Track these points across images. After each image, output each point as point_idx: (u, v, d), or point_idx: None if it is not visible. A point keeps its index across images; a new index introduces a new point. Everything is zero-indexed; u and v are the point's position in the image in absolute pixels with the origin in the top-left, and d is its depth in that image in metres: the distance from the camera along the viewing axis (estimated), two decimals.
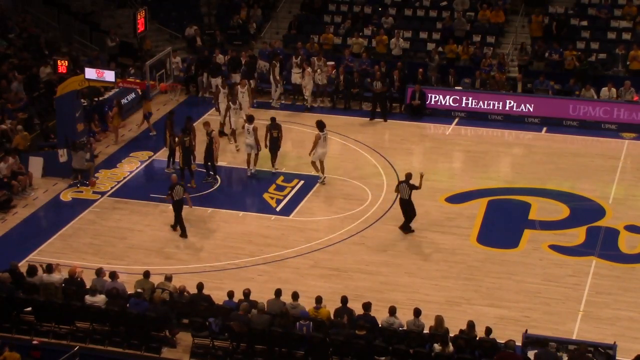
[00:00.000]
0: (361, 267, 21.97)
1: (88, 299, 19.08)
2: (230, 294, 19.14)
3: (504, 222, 24.17)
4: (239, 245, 23.04)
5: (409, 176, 23.15)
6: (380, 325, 18.35)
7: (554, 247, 22.80)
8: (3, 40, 32.56)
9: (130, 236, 23.56)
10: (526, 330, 18.41)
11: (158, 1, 37.15)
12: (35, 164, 26.64)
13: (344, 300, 18.79)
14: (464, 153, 28.88)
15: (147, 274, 19.91)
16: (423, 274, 21.71)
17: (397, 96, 31.51)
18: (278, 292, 19.07)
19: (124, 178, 26.80)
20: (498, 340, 17.69)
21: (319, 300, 18.87)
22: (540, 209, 24.65)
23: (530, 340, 17.91)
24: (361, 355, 17.74)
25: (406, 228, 23.44)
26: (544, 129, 30.25)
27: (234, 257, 22.45)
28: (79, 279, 19.92)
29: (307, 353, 18.11)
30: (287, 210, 24.77)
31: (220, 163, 26.55)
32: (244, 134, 26.64)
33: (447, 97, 31.18)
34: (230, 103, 28.11)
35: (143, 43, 34.13)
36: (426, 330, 18.17)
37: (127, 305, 19.00)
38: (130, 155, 28.27)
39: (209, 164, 26.00)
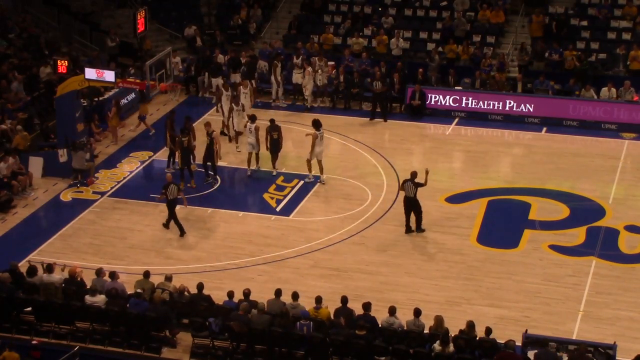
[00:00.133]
0: (361, 267, 21.98)
1: (88, 299, 19.08)
2: (230, 294, 19.14)
3: (504, 222, 24.17)
4: (239, 245, 23.04)
5: (414, 174, 23.15)
6: (380, 325, 18.35)
7: (554, 247, 22.80)
8: (3, 40, 32.57)
9: (130, 236, 23.56)
10: (526, 330, 18.41)
11: (158, 1, 37.15)
12: (35, 164, 26.64)
13: (344, 300, 18.79)
14: (464, 153, 28.88)
15: (147, 274, 19.91)
16: (423, 274, 21.71)
17: (397, 96, 31.51)
18: (278, 292, 19.07)
19: (124, 178, 26.80)
20: (498, 340, 17.69)
21: (319, 300, 18.87)
22: (540, 209, 24.65)
23: (530, 340, 17.91)
24: (361, 355, 17.74)
25: (419, 228, 23.43)
26: (544, 129, 30.25)
27: (234, 257, 22.45)
28: (79, 279, 19.92)
29: (307, 353, 18.11)
30: (287, 210, 24.77)
31: (220, 163, 26.56)
32: (246, 133, 26.68)
33: (447, 97, 31.18)
34: (232, 104, 28.08)
35: (143, 43, 34.14)
36: (426, 331, 18.17)
37: (127, 305, 19.00)
38: (130, 155, 28.27)
39: (209, 164, 25.98)
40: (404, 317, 18.52)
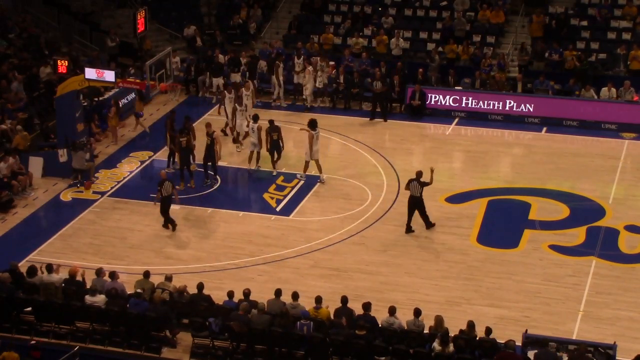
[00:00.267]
0: (361, 267, 21.97)
1: (88, 299, 19.08)
2: (230, 294, 19.14)
3: (504, 222, 24.17)
4: (239, 245, 23.04)
5: (419, 174, 23.16)
6: (380, 325, 18.35)
7: (554, 247, 22.80)
8: (3, 40, 32.56)
9: (130, 236, 23.56)
10: (526, 330, 18.41)
11: (158, 1, 37.15)
12: (35, 164, 26.64)
13: (344, 300, 18.79)
14: (464, 153, 28.88)
15: (147, 274, 19.90)
16: (423, 274, 21.71)
17: (397, 89, 31.44)
18: (278, 292, 19.07)
19: (124, 178, 26.80)
20: (498, 340, 17.69)
21: (318, 300, 18.86)
22: (540, 209, 24.65)
23: (530, 340, 17.90)
24: (361, 355, 17.73)
25: (428, 225, 23.45)
26: (544, 129, 30.25)
27: (234, 257, 22.45)
28: (81, 278, 19.91)
29: (307, 353, 18.10)
30: (287, 210, 24.77)
31: (220, 163, 26.55)
32: (249, 132, 26.75)
33: (447, 97, 31.18)
34: (236, 105, 28.03)
35: (143, 43, 34.15)
36: (426, 331, 18.17)
37: (127, 305, 18.99)
38: (130, 155, 28.27)
39: (209, 164, 25.97)
40: (404, 317, 18.51)
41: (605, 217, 24.27)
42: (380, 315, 18.56)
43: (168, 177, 24.02)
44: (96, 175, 26.73)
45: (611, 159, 27.91)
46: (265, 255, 22.53)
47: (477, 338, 17.87)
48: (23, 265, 21.07)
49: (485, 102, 30.96)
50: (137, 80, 29.95)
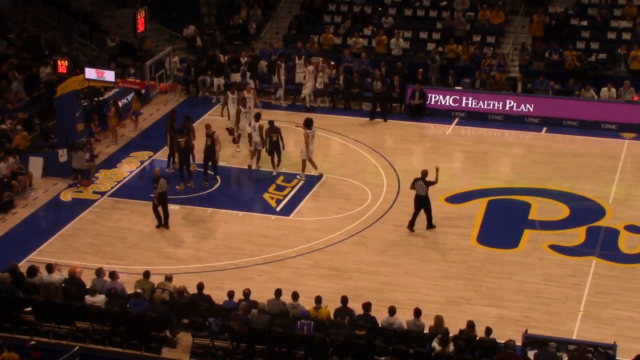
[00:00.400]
0: (361, 267, 21.97)
1: (88, 299, 19.08)
2: (230, 294, 19.13)
3: (504, 222, 24.17)
4: (239, 245, 23.04)
5: (424, 173, 23.18)
6: (380, 325, 18.34)
7: (554, 247, 22.80)
8: (3, 40, 32.56)
9: (130, 236, 23.56)
10: (526, 330, 18.41)
11: (158, 1, 37.16)
12: (35, 164, 26.64)
13: (344, 300, 18.79)
14: (464, 153, 28.88)
15: (147, 274, 19.90)
16: (423, 274, 21.71)
17: (398, 92, 31.42)
18: (278, 292, 19.07)
19: (124, 178, 26.79)
20: (498, 340, 17.68)
21: (318, 300, 18.86)
22: (540, 209, 24.65)
23: (530, 340, 17.90)
24: (361, 355, 17.73)
25: (430, 225, 23.47)
26: (544, 129, 30.25)
27: (234, 257, 22.45)
28: (78, 278, 19.92)
29: (307, 353, 18.10)
30: (287, 210, 24.78)
31: (220, 163, 26.55)
32: (250, 131, 26.86)
33: (447, 97, 31.18)
34: (240, 106, 27.96)
35: (143, 43, 34.15)
36: (426, 331, 18.16)
37: (127, 305, 18.99)
38: (130, 155, 28.27)
39: (209, 164, 25.96)
40: (404, 317, 18.51)
41: (605, 217, 24.28)
42: (380, 315, 18.56)
43: (162, 174, 24.03)
44: (96, 175, 26.73)
45: (611, 159, 27.92)
46: (265, 255, 22.53)
47: (477, 338, 17.86)
48: (23, 265, 21.07)
49: (485, 102, 30.96)
50: (137, 80, 29.97)
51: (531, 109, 30.60)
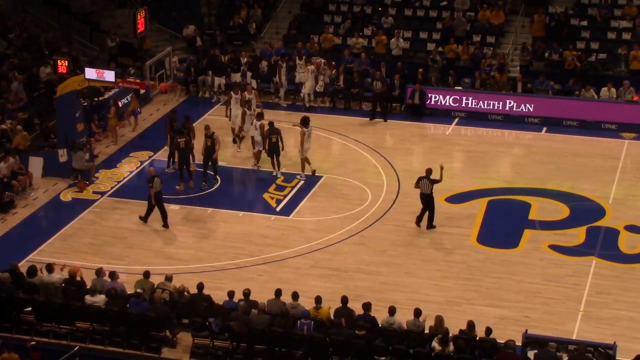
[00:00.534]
0: (361, 267, 21.97)
1: (88, 299, 19.08)
2: (231, 294, 19.13)
3: (504, 222, 24.17)
4: (239, 245, 23.04)
5: (429, 171, 23.20)
6: (380, 325, 18.34)
7: (554, 247, 22.80)
8: (3, 40, 32.57)
9: (130, 236, 23.56)
10: (526, 330, 18.41)
11: (158, 1, 37.16)
12: (35, 164, 26.63)
13: (344, 300, 18.78)
14: (464, 153, 28.88)
15: (147, 274, 19.90)
16: (423, 274, 21.71)
17: (398, 92, 31.36)
18: (278, 292, 19.06)
19: (124, 178, 26.79)
20: (498, 340, 17.68)
21: (318, 300, 18.85)
22: (540, 209, 24.65)
23: (530, 340, 17.90)
24: (361, 355, 17.73)
25: (430, 225, 23.51)
26: (544, 129, 30.25)
27: (234, 257, 22.45)
28: (78, 279, 19.92)
29: (307, 353, 18.10)
30: (287, 210, 24.78)
31: (220, 163, 26.55)
32: (252, 130, 26.91)
33: (447, 97, 31.18)
34: (245, 109, 27.86)
35: (143, 43, 34.15)
36: (426, 331, 18.16)
37: (127, 305, 18.99)
38: (130, 155, 28.27)
39: (209, 164, 25.95)
40: (404, 317, 18.51)
41: (605, 217, 24.27)
42: (380, 315, 18.56)
43: (157, 173, 24.06)
44: (96, 175, 26.73)
45: (611, 159, 27.91)
46: (265, 255, 22.53)
47: (477, 338, 17.86)
48: (23, 265, 21.06)
49: (485, 102, 30.96)
50: (137, 80, 29.97)
51: (531, 109, 30.60)
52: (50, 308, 19.14)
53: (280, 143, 26.24)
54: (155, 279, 19.82)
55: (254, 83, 31.03)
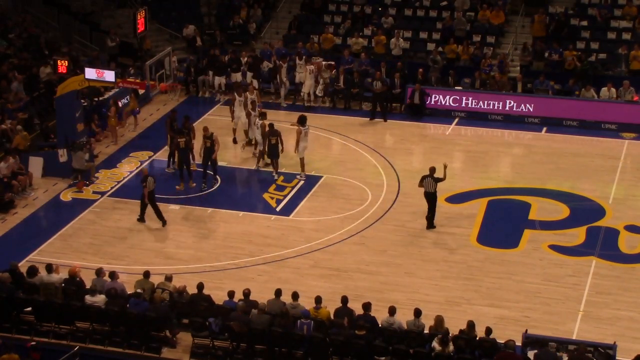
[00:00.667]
0: (361, 267, 21.97)
1: (88, 299, 19.08)
2: (231, 294, 19.13)
3: (504, 222, 24.17)
4: (239, 245, 23.04)
5: (432, 170, 23.23)
6: (380, 325, 18.34)
7: (554, 247, 22.80)
8: (3, 40, 32.57)
9: (130, 236, 23.56)
10: (526, 330, 18.41)
11: (158, 1, 37.17)
12: (35, 164, 26.64)
13: (344, 300, 18.78)
14: (464, 153, 28.88)
15: (147, 274, 19.90)
16: (423, 274, 21.71)
17: (398, 92, 31.35)
18: (278, 292, 19.06)
19: (124, 178, 26.79)
20: (498, 340, 17.68)
21: (318, 300, 18.86)
22: (540, 209, 24.65)
23: (530, 340, 17.90)
24: (361, 355, 17.73)
25: (430, 225, 23.58)
26: (544, 129, 30.25)
27: (234, 257, 22.45)
28: (78, 279, 19.92)
29: (307, 353, 18.10)
30: (287, 210, 24.78)
31: (220, 163, 26.55)
32: (254, 130, 26.95)
33: (447, 97, 31.18)
34: (250, 110, 27.81)
35: (143, 43, 34.15)
36: (426, 331, 18.16)
37: (127, 305, 18.99)
38: (130, 155, 28.26)
39: (209, 164, 25.93)
40: (404, 317, 18.51)
41: (605, 217, 24.27)
42: (380, 315, 18.56)
43: (150, 172, 24.08)
44: (96, 175, 26.73)
45: (611, 159, 27.92)
46: (265, 255, 22.53)
47: (477, 338, 17.86)
48: (23, 265, 21.06)
49: (485, 102, 30.96)
50: (137, 80, 29.98)
51: (531, 109, 30.60)
52: (50, 308, 19.14)
53: (280, 145, 26.21)
54: (155, 279, 19.81)
55: (255, 83, 31.05)
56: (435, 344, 17.58)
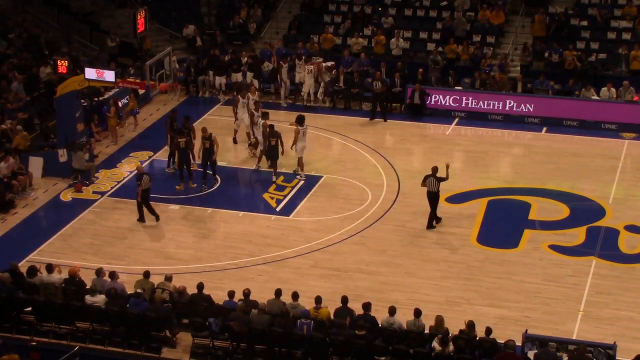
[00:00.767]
0: (361, 267, 21.97)
1: (88, 299, 19.08)
2: (231, 294, 19.13)
3: (504, 222, 24.17)
4: (239, 245, 23.04)
5: (435, 169, 23.23)
6: (380, 325, 18.34)
7: (554, 247, 22.80)
8: (3, 40, 32.57)
9: (130, 236, 23.56)
10: (526, 330, 18.41)
11: (158, 1, 37.17)
12: (35, 164, 26.64)
13: (344, 300, 18.78)
14: (464, 153, 28.88)
15: (147, 274, 19.90)
16: (423, 274, 21.71)
17: (398, 90, 31.34)
18: (278, 292, 19.06)
19: (124, 178, 26.79)
20: (498, 340, 17.69)
21: (318, 300, 18.86)
22: (540, 209, 24.65)
23: (530, 340, 17.90)
24: (361, 355, 17.73)
25: (430, 225, 23.59)
26: (544, 129, 30.25)
27: (234, 257, 22.45)
28: (78, 279, 19.92)
29: (307, 353, 18.10)
30: (287, 210, 24.77)
31: (220, 163, 26.55)
32: (256, 130, 26.98)
33: (447, 97, 31.18)
34: (254, 111, 27.80)
35: (143, 43, 34.15)
36: (426, 331, 18.16)
37: (127, 305, 18.99)
38: (130, 155, 28.26)
39: (208, 164, 25.91)
40: (404, 317, 18.51)
41: (605, 217, 24.27)
42: (380, 315, 18.56)
43: (150, 172, 24.09)
44: (96, 175, 26.73)
45: (611, 159, 27.92)
46: (265, 255, 22.53)
47: (477, 338, 17.86)
48: (23, 265, 21.07)
49: (485, 102, 30.96)
50: (137, 80, 29.98)
51: (531, 109, 30.60)
52: (50, 308, 19.14)
53: (280, 147, 26.17)
54: (155, 279, 19.82)
55: (256, 83, 31.04)
56: (435, 344, 17.59)
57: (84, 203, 25.29)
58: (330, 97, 32.12)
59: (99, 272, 19.86)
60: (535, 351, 17.46)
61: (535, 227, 23.81)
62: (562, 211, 24.58)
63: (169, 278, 19.83)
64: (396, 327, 18.23)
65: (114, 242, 23.27)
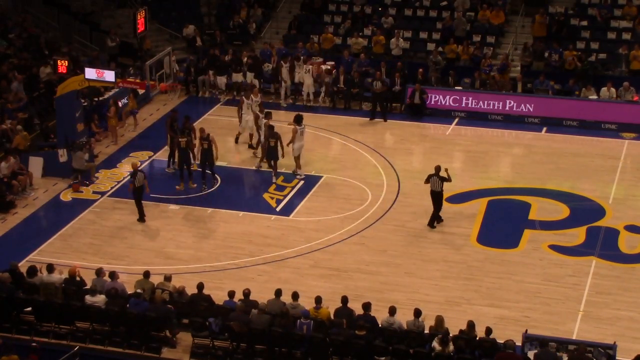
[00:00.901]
0: (361, 267, 21.97)
1: (88, 299, 19.08)
2: (231, 294, 19.14)
3: (504, 222, 24.17)
4: (239, 245, 23.04)
5: (438, 169, 23.24)
6: (380, 325, 18.34)
7: (554, 247, 22.80)
8: (3, 40, 32.57)
9: (130, 236, 23.57)
10: (526, 330, 18.41)
11: (158, 1, 37.17)
12: (35, 164, 26.64)
13: (344, 300, 18.79)
14: (464, 153, 28.88)
15: (147, 274, 19.90)
16: (423, 274, 21.71)
17: (398, 89, 31.32)
18: (278, 292, 19.07)
19: (124, 178, 26.78)
20: (498, 340, 17.69)
21: (318, 300, 18.86)
22: (540, 209, 24.65)
23: (530, 340, 17.90)
24: (361, 355, 17.73)
25: (431, 224, 23.59)
26: (544, 129, 30.25)
27: (234, 257, 22.45)
28: (78, 279, 19.93)
29: (307, 353, 18.10)
30: (287, 210, 24.77)
31: (220, 163, 26.56)
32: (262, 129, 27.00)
33: (447, 97, 31.18)
34: (258, 113, 27.76)
35: (143, 43, 34.15)
36: (426, 331, 18.16)
37: (127, 305, 18.99)
38: (130, 155, 28.26)
39: (207, 163, 25.90)
40: (404, 317, 18.51)
41: (605, 217, 24.27)
42: (380, 315, 18.56)
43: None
44: (96, 175, 26.73)
45: (611, 159, 27.92)
46: (265, 255, 22.53)
47: (477, 338, 17.87)
48: (23, 265, 21.07)
49: (485, 102, 30.96)
50: (137, 80, 29.97)
51: (531, 109, 30.60)
52: (50, 308, 19.14)
53: (280, 149, 26.14)
54: (155, 279, 19.82)
55: (256, 83, 31.04)
56: (435, 344, 17.59)
57: (84, 203, 25.29)
58: (330, 97, 32.12)
59: (99, 272, 19.87)
60: (535, 351, 17.47)
61: (535, 227, 23.81)
62: (562, 211, 24.58)
63: (168, 278, 19.83)
64: (396, 327, 18.23)
65: (114, 242, 23.27)
